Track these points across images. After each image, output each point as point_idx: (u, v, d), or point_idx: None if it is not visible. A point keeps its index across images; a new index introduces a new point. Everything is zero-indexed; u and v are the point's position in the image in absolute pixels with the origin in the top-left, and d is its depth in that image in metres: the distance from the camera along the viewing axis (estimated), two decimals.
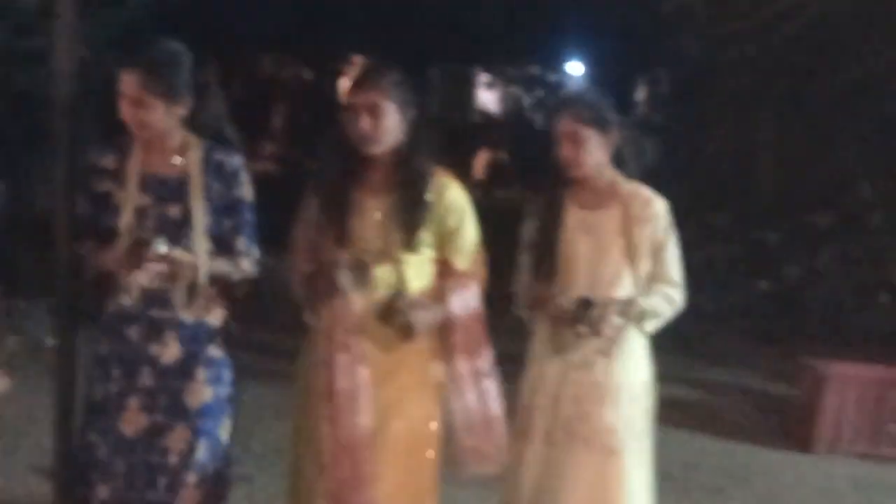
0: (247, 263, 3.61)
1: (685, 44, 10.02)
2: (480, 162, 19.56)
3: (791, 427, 6.82)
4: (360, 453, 3.40)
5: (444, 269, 3.56)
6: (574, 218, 3.80)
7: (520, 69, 22.21)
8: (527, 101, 22.54)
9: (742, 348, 9.43)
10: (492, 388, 3.57)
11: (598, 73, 18.43)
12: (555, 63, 21.64)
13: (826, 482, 6.00)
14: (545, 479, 3.78)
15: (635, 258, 3.75)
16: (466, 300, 3.55)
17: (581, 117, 3.73)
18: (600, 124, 3.75)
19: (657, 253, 3.78)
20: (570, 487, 3.73)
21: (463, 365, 3.53)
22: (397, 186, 3.46)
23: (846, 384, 6.54)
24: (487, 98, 24.22)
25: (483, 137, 20.37)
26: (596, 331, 3.67)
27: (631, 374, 3.81)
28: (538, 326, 3.90)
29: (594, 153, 3.75)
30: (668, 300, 3.81)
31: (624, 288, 3.75)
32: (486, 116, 23.75)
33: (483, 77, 23.49)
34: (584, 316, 3.67)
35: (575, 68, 21.64)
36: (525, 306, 3.92)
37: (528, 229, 3.91)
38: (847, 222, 9.76)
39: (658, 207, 3.78)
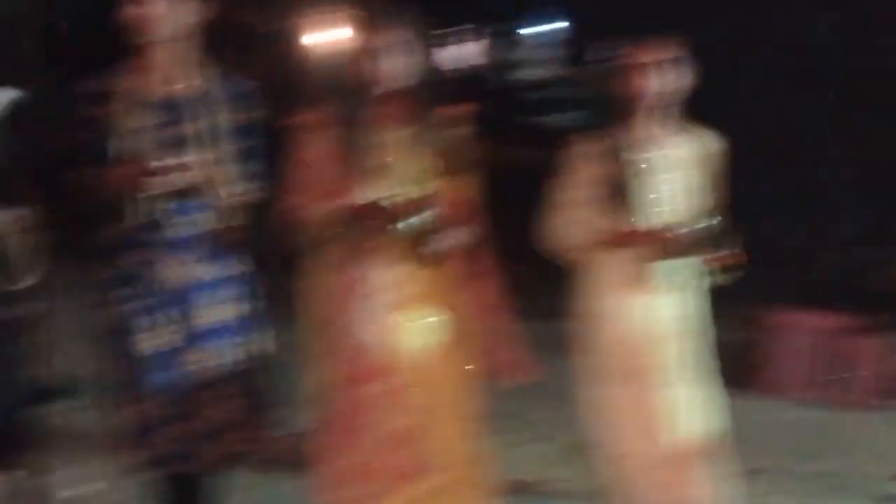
0: (255, 187, 3.55)
1: None
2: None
3: (744, 373, 7.06)
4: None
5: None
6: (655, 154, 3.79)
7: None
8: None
9: None
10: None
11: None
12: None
13: (772, 424, 6.25)
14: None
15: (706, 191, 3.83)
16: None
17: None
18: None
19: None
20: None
21: None
22: (415, 120, 3.56)
23: (798, 332, 6.85)
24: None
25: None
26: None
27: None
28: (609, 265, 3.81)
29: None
30: None
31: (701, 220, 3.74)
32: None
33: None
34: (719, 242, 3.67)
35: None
36: (598, 246, 3.78)
37: (586, 172, 3.77)
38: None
39: (719, 145, 3.87)
